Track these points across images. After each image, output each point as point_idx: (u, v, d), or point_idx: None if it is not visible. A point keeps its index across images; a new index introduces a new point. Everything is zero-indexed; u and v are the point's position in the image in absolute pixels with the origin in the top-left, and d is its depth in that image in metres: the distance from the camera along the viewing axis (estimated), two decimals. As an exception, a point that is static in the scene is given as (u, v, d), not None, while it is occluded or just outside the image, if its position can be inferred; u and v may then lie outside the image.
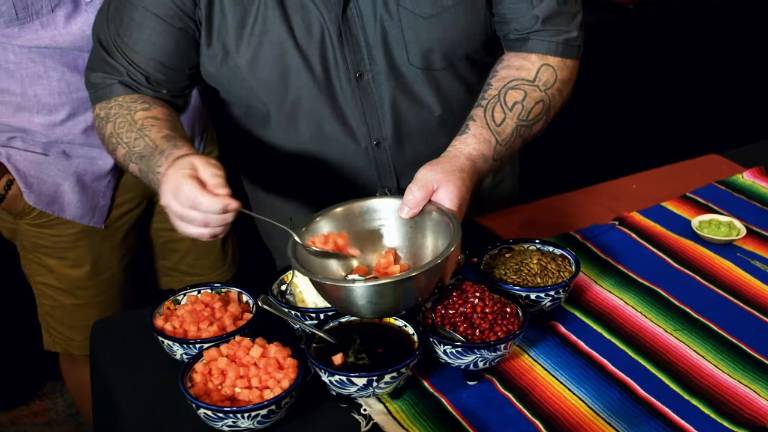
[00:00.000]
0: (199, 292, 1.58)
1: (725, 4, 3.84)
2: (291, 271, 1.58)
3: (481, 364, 1.40)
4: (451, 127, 1.71)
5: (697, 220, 1.85)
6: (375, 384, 1.33)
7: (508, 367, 1.47)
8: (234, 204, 1.37)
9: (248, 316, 1.52)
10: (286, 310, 1.48)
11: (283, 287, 1.57)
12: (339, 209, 1.51)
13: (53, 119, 1.94)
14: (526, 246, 1.66)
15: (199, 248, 2.31)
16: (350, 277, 1.48)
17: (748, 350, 1.51)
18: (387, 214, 1.52)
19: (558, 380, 1.45)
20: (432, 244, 1.46)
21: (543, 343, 1.53)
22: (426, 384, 1.44)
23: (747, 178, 2.08)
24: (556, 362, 1.49)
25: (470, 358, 1.38)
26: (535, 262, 1.59)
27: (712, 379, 1.44)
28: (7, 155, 1.98)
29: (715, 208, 1.94)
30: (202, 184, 1.38)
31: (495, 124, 1.59)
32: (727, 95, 3.98)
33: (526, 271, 1.57)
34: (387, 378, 1.33)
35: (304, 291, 1.55)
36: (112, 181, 2.06)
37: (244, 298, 1.57)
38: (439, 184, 1.46)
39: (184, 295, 1.58)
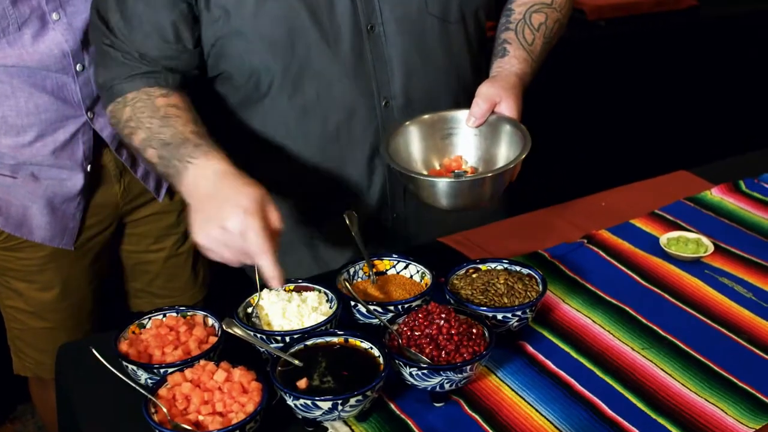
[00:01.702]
0: (164, 315, 1.57)
1: (696, 23, 3.87)
2: (257, 294, 1.57)
3: (447, 386, 1.39)
4: (454, 95, 1.84)
5: (665, 238, 1.85)
6: (340, 407, 1.32)
7: (475, 388, 1.47)
8: (280, 283, 1.46)
9: (213, 339, 1.50)
10: (251, 333, 1.47)
11: (249, 310, 1.56)
12: (426, 117, 1.71)
13: (21, 140, 1.91)
14: (493, 266, 1.66)
15: (169, 270, 2.29)
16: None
17: (716, 368, 1.51)
18: (462, 124, 1.70)
19: (525, 401, 1.44)
20: (505, 152, 1.65)
21: (510, 364, 1.52)
22: (392, 406, 1.43)
23: (715, 194, 2.09)
24: (523, 382, 1.48)
25: (436, 380, 1.38)
26: (502, 282, 1.58)
27: (679, 398, 1.44)
28: None
29: (684, 224, 1.95)
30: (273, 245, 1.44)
31: (528, 44, 1.77)
32: (695, 112, 4.01)
33: (493, 291, 1.57)
34: (352, 401, 1.32)
35: (270, 313, 1.54)
36: (81, 202, 2.03)
37: (210, 321, 1.56)
38: (500, 98, 1.66)
39: (149, 318, 1.56)
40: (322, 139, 1.81)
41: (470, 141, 1.70)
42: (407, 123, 1.71)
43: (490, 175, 1.56)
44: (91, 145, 1.97)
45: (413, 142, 1.70)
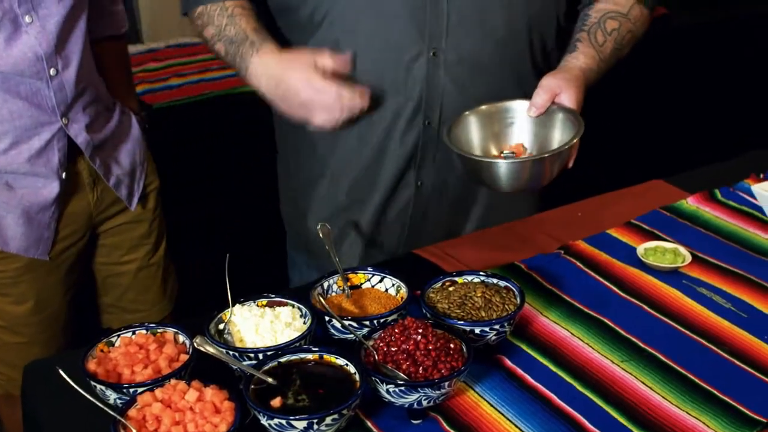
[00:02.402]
0: (133, 333, 1.53)
1: (666, 30, 3.88)
2: (228, 310, 1.54)
3: (425, 403, 1.36)
4: (502, 74, 1.88)
5: (643, 248, 1.83)
6: (316, 426, 1.29)
7: (453, 404, 1.44)
8: (361, 100, 1.72)
9: (184, 357, 1.46)
10: (224, 350, 1.43)
11: (221, 326, 1.53)
12: (484, 107, 1.80)
13: None
14: (470, 278, 1.63)
15: (140, 282, 2.27)
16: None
17: (696, 380, 1.49)
18: (520, 114, 1.80)
19: (505, 416, 1.41)
20: (559, 136, 1.75)
21: (489, 378, 1.50)
22: (369, 424, 1.40)
23: (691, 203, 2.07)
24: (502, 397, 1.45)
25: (414, 396, 1.35)
26: (479, 295, 1.56)
27: (660, 411, 1.42)
28: None
29: (660, 234, 1.93)
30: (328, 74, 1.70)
31: (598, 45, 1.86)
32: (671, 120, 4.02)
33: (470, 305, 1.54)
34: (328, 420, 1.29)
35: (243, 329, 1.50)
36: (56, 212, 2.00)
37: (180, 338, 1.52)
38: (561, 89, 1.75)
39: (118, 336, 1.52)
40: (364, 74, 1.84)
41: (526, 129, 1.80)
42: (467, 113, 1.80)
43: (546, 156, 1.68)
44: (65, 152, 1.95)
45: (473, 131, 1.80)
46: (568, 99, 1.75)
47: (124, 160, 2.11)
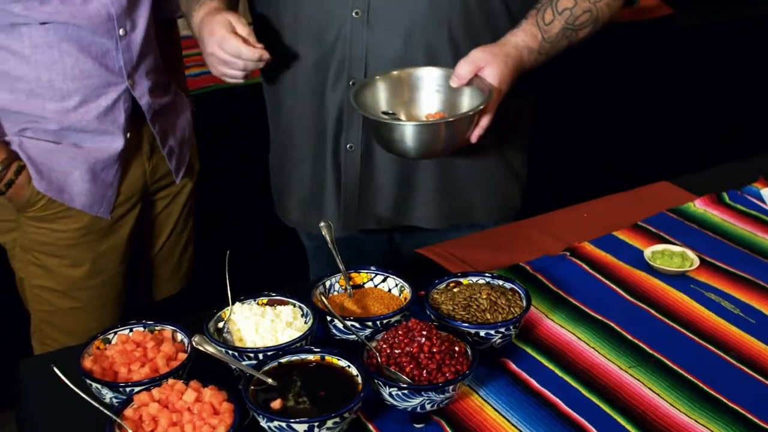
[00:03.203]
0: (130, 330, 1.50)
1: (672, 31, 3.85)
2: (228, 308, 1.51)
3: (428, 407, 1.33)
4: (429, 39, 1.84)
5: (650, 251, 1.81)
6: (317, 429, 1.26)
7: (457, 408, 1.41)
8: (266, 55, 1.78)
9: (183, 356, 1.44)
10: (223, 350, 1.40)
11: (220, 324, 1.50)
12: (395, 73, 1.81)
13: (66, 105, 1.95)
14: (475, 279, 1.60)
15: (164, 252, 2.32)
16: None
17: (704, 387, 1.46)
18: (431, 82, 1.80)
19: (509, 421, 1.39)
20: (467, 105, 1.74)
21: (493, 382, 1.47)
22: (371, 427, 1.37)
23: (699, 206, 2.05)
24: (506, 402, 1.43)
25: (417, 400, 1.32)
26: (484, 297, 1.53)
27: (667, 419, 1.39)
28: (20, 143, 1.97)
29: (667, 237, 1.91)
30: (242, 39, 1.77)
31: (544, 23, 1.80)
32: (678, 122, 3.99)
33: (475, 307, 1.51)
34: (329, 423, 1.26)
35: (242, 329, 1.48)
36: (119, 171, 2.07)
37: (179, 336, 1.49)
38: (485, 63, 1.72)
39: (115, 333, 1.49)
40: (291, 31, 1.92)
41: (435, 97, 1.80)
42: (377, 77, 1.80)
43: (451, 120, 1.68)
44: (130, 114, 2.04)
45: (380, 95, 1.80)
46: (491, 74, 1.72)
47: (177, 132, 2.20)
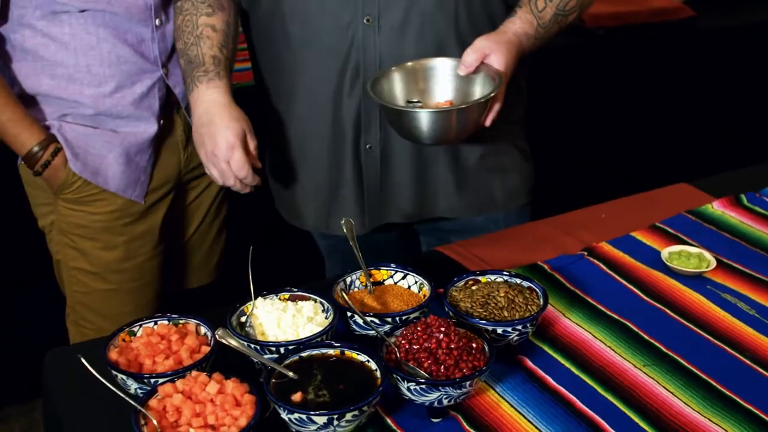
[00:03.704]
0: (155, 323, 1.53)
1: (694, 33, 3.85)
2: (251, 302, 1.54)
3: (446, 402, 1.36)
4: (439, 41, 1.88)
5: (667, 252, 1.82)
6: (336, 422, 1.28)
7: (473, 403, 1.43)
8: (256, 182, 1.84)
9: (206, 349, 1.46)
10: (245, 343, 1.43)
11: (243, 319, 1.53)
12: (409, 64, 1.85)
13: (102, 91, 2.01)
14: (493, 278, 1.63)
15: (194, 241, 2.35)
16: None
17: (719, 387, 1.48)
18: (444, 72, 1.85)
19: (525, 417, 1.41)
20: (479, 92, 1.80)
21: (510, 379, 1.49)
22: (389, 421, 1.40)
23: (717, 208, 2.06)
24: (523, 399, 1.45)
25: (435, 395, 1.34)
26: (502, 295, 1.55)
27: (682, 417, 1.41)
28: (59, 127, 2.03)
29: (685, 238, 1.92)
30: (249, 157, 1.81)
31: (537, 10, 1.87)
32: (697, 124, 3.98)
33: (493, 304, 1.53)
34: (348, 416, 1.28)
35: (264, 323, 1.50)
36: (152, 156, 2.11)
37: (202, 330, 1.52)
38: (491, 50, 1.78)
39: (140, 326, 1.53)
40: (301, 42, 1.92)
41: (449, 86, 1.85)
42: (393, 68, 1.85)
43: (466, 106, 1.74)
44: (164, 102, 2.10)
45: (396, 85, 1.84)
46: (497, 60, 1.78)
47: None
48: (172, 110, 2.14)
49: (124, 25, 1.98)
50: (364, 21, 1.85)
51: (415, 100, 1.84)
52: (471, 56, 1.78)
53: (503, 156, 2.08)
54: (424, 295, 1.60)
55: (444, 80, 1.85)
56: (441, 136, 1.75)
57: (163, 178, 2.16)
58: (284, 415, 1.31)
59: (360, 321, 1.51)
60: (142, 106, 2.05)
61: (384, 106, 1.77)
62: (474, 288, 1.60)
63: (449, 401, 1.36)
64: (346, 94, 1.92)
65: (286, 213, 2.20)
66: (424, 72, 1.86)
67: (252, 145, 1.83)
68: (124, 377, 1.40)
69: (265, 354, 1.44)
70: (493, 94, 1.73)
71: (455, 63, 1.82)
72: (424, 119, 1.71)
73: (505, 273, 1.63)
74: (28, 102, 2.02)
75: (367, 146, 1.97)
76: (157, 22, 2.02)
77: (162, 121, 2.10)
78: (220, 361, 1.45)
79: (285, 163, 2.09)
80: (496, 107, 1.78)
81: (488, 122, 1.79)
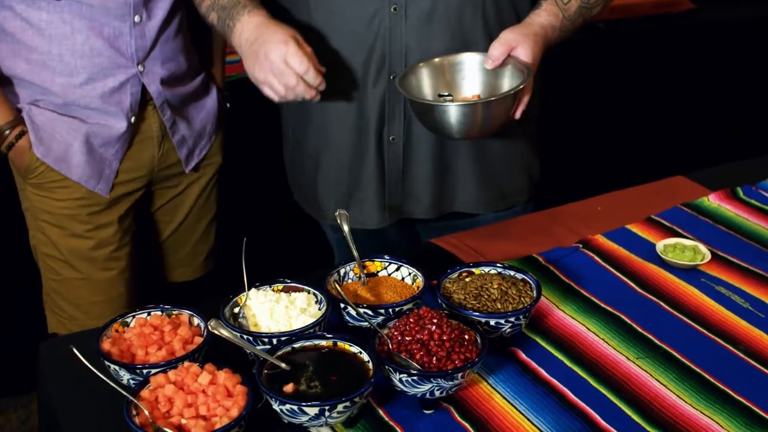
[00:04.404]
0: (148, 314, 1.53)
1: (693, 26, 3.84)
2: (244, 294, 1.54)
3: (437, 393, 1.36)
4: (462, 36, 1.88)
5: (662, 244, 1.82)
6: (327, 413, 1.29)
7: (465, 395, 1.43)
8: (323, 86, 1.76)
9: (198, 340, 1.47)
10: (238, 335, 1.44)
11: (236, 310, 1.53)
12: (437, 60, 1.85)
13: (73, 81, 1.98)
14: (486, 270, 1.63)
15: (177, 237, 2.33)
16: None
17: (712, 379, 1.48)
18: (471, 66, 1.85)
19: (517, 409, 1.41)
20: (508, 85, 1.80)
21: (502, 371, 1.49)
22: (381, 412, 1.40)
23: (713, 201, 2.06)
24: (515, 390, 1.45)
25: (426, 386, 1.34)
26: (495, 286, 1.55)
27: (674, 410, 1.41)
28: (29, 110, 2.02)
29: (680, 231, 1.92)
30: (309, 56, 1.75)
31: (563, 3, 1.88)
32: (695, 116, 3.98)
33: (486, 296, 1.53)
34: (340, 407, 1.29)
35: (257, 314, 1.51)
36: (119, 151, 2.08)
37: (195, 321, 1.52)
38: (517, 43, 1.79)
39: (133, 317, 1.53)
40: (326, 31, 1.91)
41: (477, 80, 1.85)
42: (420, 64, 1.85)
43: (496, 98, 1.73)
44: (138, 99, 2.05)
45: (424, 80, 1.85)
46: (524, 53, 1.78)
47: (194, 124, 2.19)
48: (147, 107, 2.09)
49: (101, 18, 1.95)
50: (391, 10, 1.85)
51: (446, 94, 1.84)
52: (498, 49, 1.79)
53: (520, 151, 2.09)
54: (418, 287, 1.60)
55: (471, 75, 1.85)
56: (471, 130, 1.75)
57: (133, 173, 2.13)
58: (276, 406, 1.31)
59: (353, 312, 1.52)
60: (111, 101, 2.01)
61: (414, 101, 1.77)
62: (467, 280, 1.60)
63: (441, 393, 1.36)
64: (371, 84, 1.92)
65: (306, 205, 2.19)
66: (451, 67, 1.86)
67: (307, 48, 1.77)
68: (117, 368, 1.40)
69: (258, 345, 1.44)
70: (522, 86, 1.73)
71: (482, 57, 1.82)
72: (454, 113, 1.71)
73: (498, 265, 1.64)
74: (4, 83, 2.01)
75: (391, 138, 1.96)
76: (137, 18, 1.97)
77: (133, 119, 2.06)
78: (212, 352, 1.45)
79: (306, 154, 2.09)
80: (526, 99, 1.79)
81: (518, 114, 1.79)
